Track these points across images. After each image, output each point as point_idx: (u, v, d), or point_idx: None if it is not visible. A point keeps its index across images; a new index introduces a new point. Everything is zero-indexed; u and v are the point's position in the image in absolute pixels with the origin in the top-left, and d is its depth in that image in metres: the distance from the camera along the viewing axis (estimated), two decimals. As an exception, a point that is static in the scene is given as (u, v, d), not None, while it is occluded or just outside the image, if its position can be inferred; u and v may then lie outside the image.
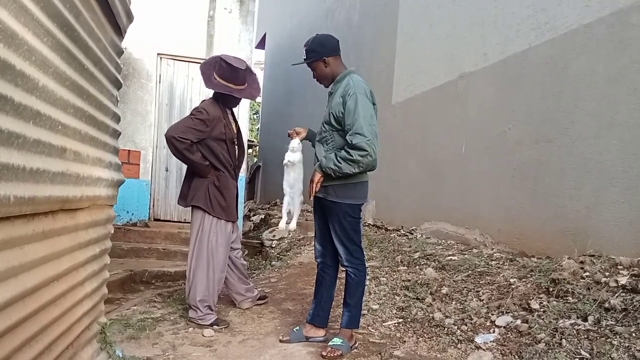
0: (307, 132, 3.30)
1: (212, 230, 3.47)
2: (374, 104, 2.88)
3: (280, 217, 6.82)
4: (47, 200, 1.48)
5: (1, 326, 1.27)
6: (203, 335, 3.24)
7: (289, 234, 6.58)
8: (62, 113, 1.62)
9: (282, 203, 6.79)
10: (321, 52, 2.92)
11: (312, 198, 3.04)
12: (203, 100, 3.61)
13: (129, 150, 6.62)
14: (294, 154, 3.34)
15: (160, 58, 6.91)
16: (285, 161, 3.45)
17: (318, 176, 2.87)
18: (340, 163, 2.73)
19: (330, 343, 2.89)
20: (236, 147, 3.64)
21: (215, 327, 3.36)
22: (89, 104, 1.94)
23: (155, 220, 6.98)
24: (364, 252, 3.01)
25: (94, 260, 2.18)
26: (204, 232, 3.46)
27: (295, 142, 3.34)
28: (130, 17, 2.44)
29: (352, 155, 2.69)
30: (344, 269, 2.96)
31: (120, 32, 2.38)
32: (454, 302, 3.36)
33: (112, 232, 2.48)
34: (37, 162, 1.39)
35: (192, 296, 3.43)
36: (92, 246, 2.13)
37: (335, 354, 2.80)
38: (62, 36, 1.57)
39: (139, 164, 6.78)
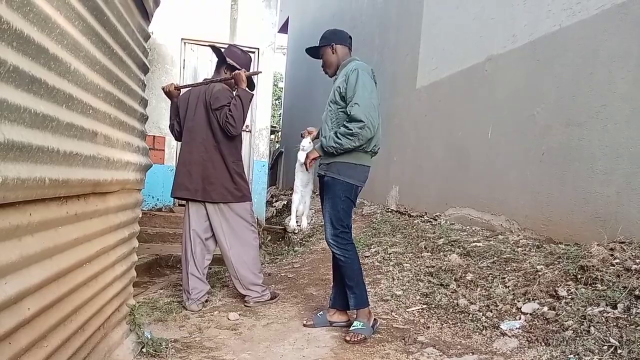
0: (318, 131, 3.38)
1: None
2: (375, 83, 3.02)
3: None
4: (80, 183, 1.51)
5: (37, 306, 1.30)
6: (228, 319, 3.29)
7: (311, 219, 6.57)
8: (93, 97, 1.64)
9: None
10: (331, 39, 3.16)
11: (308, 171, 3.27)
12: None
13: (154, 136, 6.68)
14: (304, 153, 3.35)
15: (184, 43, 6.92)
16: (297, 164, 3.48)
17: (315, 154, 3.06)
18: (340, 139, 2.86)
19: (351, 328, 2.91)
20: None
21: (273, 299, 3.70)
22: (118, 89, 1.96)
23: (180, 205, 7.04)
24: (352, 233, 3.06)
25: (124, 243, 2.22)
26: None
27: (306, 142, 3.38)
28: (157, 2, 2.44)
29: (350, 129, 2.82)
30: (332, 252, 3.01)
31: (147, 16, 2.39)
32: (478, 289, 3.33)
33: (140, 216, 2.52)
34: (70, 145, 1.41)
35: (241, 284, 3.61)
36: (121, 229, 2.17)
37: (359, 338, 2.82)
38: (92, 20, 1.58)
39: (164, 150, 6.84)
